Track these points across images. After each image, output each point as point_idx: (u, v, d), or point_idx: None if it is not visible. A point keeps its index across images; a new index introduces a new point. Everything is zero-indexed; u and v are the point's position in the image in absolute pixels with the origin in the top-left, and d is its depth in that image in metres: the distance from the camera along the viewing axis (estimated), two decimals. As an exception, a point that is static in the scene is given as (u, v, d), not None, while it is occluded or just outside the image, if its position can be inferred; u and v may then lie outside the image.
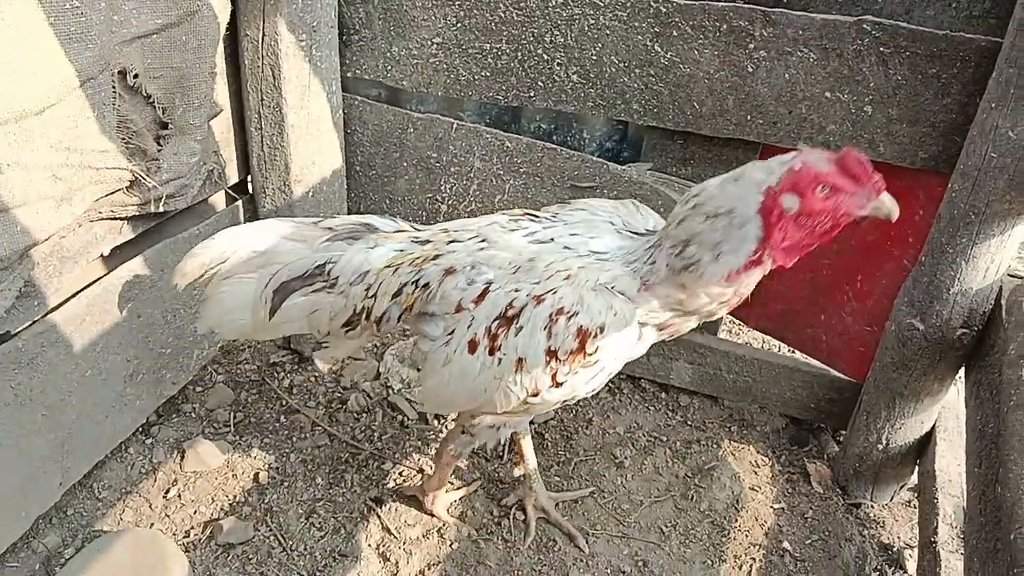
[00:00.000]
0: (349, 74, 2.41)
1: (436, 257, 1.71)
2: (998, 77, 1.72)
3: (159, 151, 1.92)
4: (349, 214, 2.63)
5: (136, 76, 1.79)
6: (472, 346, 1.64)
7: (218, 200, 2.43)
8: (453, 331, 1.67)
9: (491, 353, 1.61)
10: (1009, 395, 1.66)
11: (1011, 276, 2.01)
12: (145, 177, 1.87)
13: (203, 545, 2.06)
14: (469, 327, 1.64)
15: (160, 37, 1.83)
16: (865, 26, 1.90)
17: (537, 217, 1.77)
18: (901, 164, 2.04)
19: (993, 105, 1.73)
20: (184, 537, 2.08)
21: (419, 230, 1.85)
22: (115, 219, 1.92)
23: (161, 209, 1.98)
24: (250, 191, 2.47)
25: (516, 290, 1.61)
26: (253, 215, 2.46)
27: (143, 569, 1.87)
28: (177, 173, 1.97)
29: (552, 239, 1.69)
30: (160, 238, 2.14)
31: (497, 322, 1.61)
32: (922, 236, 2.00)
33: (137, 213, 1.94)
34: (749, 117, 2.11)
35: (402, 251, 1.76)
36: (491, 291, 1.64)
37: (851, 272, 2.32)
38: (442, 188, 2.54)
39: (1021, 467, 1.48)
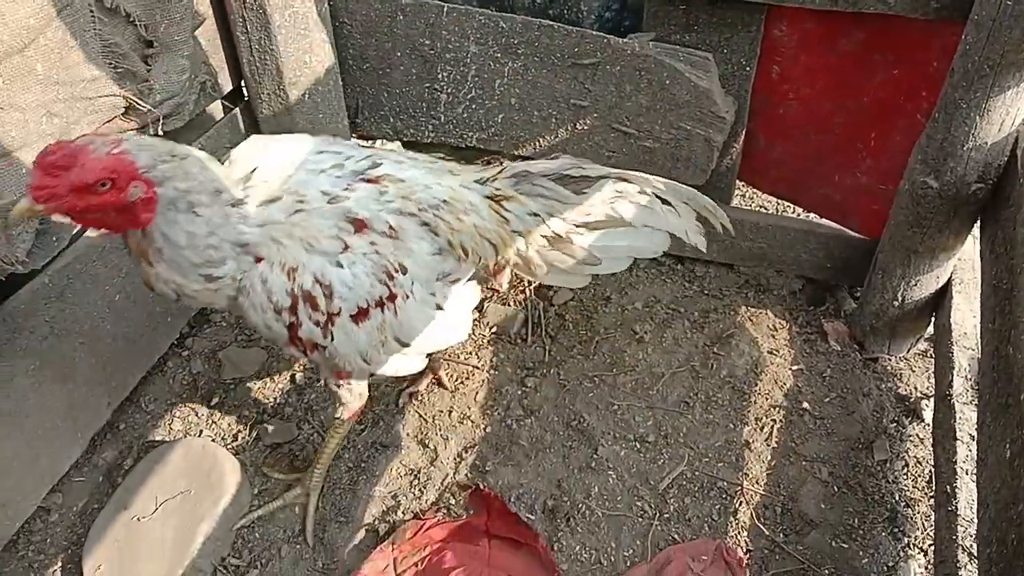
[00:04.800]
0: (329, -37, 2.30)
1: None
2: (1016, -83, 1.61)
3: (149, 71, 1.88)
4: (348, 111, 2.58)
5: (112, -3, 1.73)
6: None
7: (215, 110, 2.40)
8: None
9: None
10: (1023, 253, 1.66)
11: (1028, 126, 1.96)
12: (139, 101, 1.84)
13: (251, 447, 2.18)
14: None
15: (131, -47, 1.75)
16: None
17: None
18: (914, 16, 1.95)
19: (1011, -51, 1.63)
20: (233, 441, 2.20)
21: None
22: (117, 146, 1.91)
23: (161, 132, 1.96)
24: (246, 98, 2.42)
25: None
26: (252, 122, 2.42)
27: (199, 474, 2.00)
28: (170, 92, 1.94)
29: None
30: (164, 158, 2.13)
31: None
32: (936, 90, 1.94)
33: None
34: (754, -23, 2.01)
35: None
36: None
37: (865, 130, 2.27)
38: (439, 76, 2.47)
39: (1033, 328, 1.50)
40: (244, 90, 2.42)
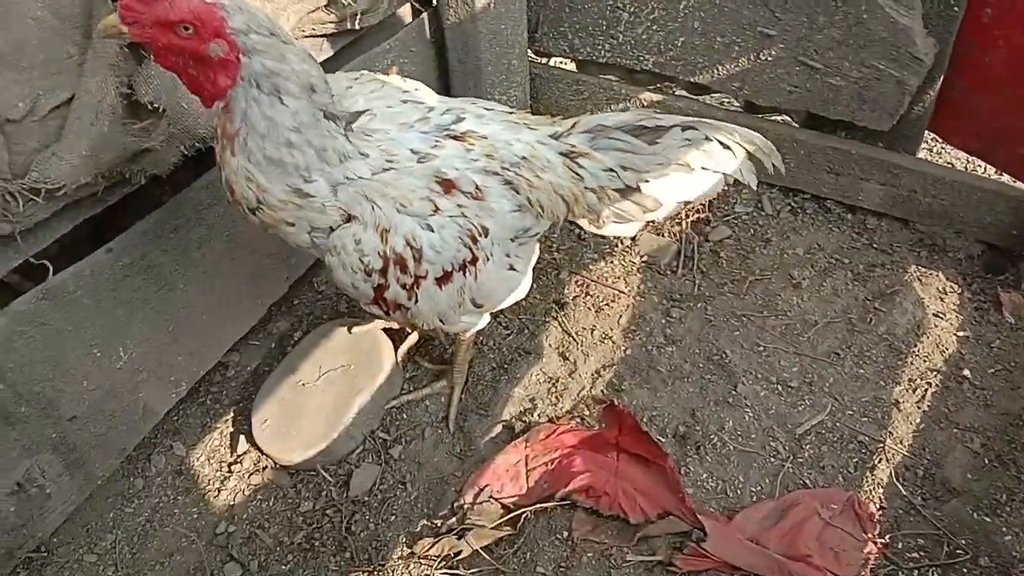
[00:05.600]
0: None
1: None
2: None
3: (352, -32, 1.98)
4: (528, 24, 2.61)
5: None
6: None
7: (405, 13, 2.49)
8: None
9: None
10: None
11: None
12: (341, -5, 1.95)
13: (403, 336, 2.31)
14: None
15: None
16: None
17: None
18: None
19: None
20: (387, 329, 2.35)
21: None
22: (315, 37, 2.03)
23: (358, 26, 2.07)
24: (434, 3, 2.49)
25: None
26: (438, 27, 2.50)
27: (360, 352, 2.17)
28: (369, -11, 2.04)
29: None
30: (355, 54, 2.25)
31: None
32: None
33: (335, 31, 2.04)
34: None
35: None
36: None
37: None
38: (624, -7, 2.45)
39: None
40: (433, -3, 2.49)
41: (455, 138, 1.63)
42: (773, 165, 1.79)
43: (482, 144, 1.64)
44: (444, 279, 1.64)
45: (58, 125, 1.49)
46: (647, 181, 1.76)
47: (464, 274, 1.66)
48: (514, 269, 1.79)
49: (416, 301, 1.65)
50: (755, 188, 1.85)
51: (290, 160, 1.42)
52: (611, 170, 1.74)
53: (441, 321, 1.77)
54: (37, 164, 1.45)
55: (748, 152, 1.77)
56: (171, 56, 1.31)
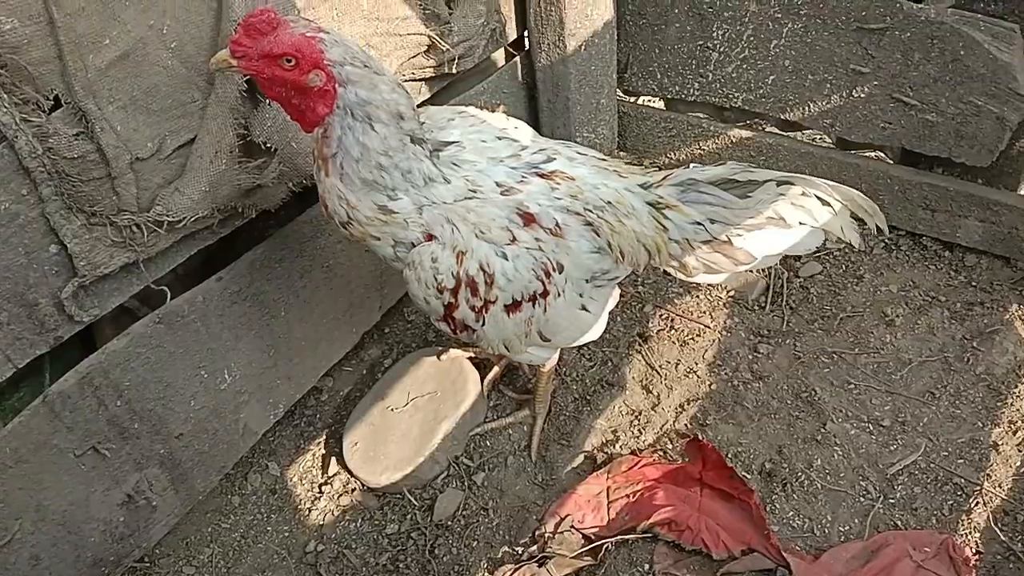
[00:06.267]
0: (619, -81, 2.38)
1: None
2: None
3: (450, 15, 2.09)
4: (618, 64, 2.67)
5: (424, -58, 1.95)
6: None
7: (498, 57, 2.59)
8: None
9: None
10: None
11: None
12: (440, 41, 2.05)
13: (489, 366, 2.37)
14: None
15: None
16: None
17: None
18: None
19: None
20: (473, 359, 2.42)
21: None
22: (415, 80, 2.14)
23: (454, 71, 2.17)
24: (526, 47, 2.58)
25: None
26: (529, 70, 2.59)
27: (446, 380, 2.24)
28: (466, 35, 2.14)
29: None
30: (450, 96, 2.36)
31: None
32: None
33: (433, 75, 2.15)
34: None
35: None
36: None
37: None
38: (713, 35, 2.48)
39: None
40: (526, 40, 2.59)
41: (542, 176, 1.67)
42: (877, 226, 1.76)
43: (568, 185, 1.68)
44: (513, 307, 1.67)
45: (181, 163, 1.62)
46: (739, 235, 1.75)
47: (534, 306, 1.69)
48: (586, 310, 1.81)
49: (483, 324, 1.69)
50: (856, 246, 1.81)
51: (380, 181, 1.51)
52: (698, 223, 1.73)
53: (506, 348, 1.81)
54: (161, 198, 1.59)
55: (849, 209, 1.74)
56: (275, 87, 1.42)
